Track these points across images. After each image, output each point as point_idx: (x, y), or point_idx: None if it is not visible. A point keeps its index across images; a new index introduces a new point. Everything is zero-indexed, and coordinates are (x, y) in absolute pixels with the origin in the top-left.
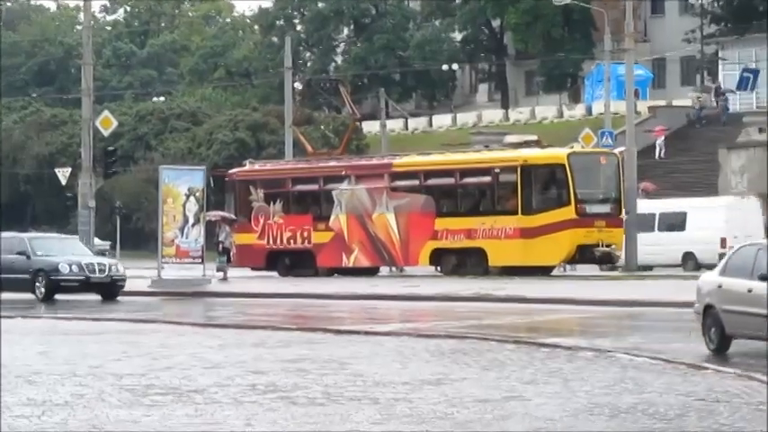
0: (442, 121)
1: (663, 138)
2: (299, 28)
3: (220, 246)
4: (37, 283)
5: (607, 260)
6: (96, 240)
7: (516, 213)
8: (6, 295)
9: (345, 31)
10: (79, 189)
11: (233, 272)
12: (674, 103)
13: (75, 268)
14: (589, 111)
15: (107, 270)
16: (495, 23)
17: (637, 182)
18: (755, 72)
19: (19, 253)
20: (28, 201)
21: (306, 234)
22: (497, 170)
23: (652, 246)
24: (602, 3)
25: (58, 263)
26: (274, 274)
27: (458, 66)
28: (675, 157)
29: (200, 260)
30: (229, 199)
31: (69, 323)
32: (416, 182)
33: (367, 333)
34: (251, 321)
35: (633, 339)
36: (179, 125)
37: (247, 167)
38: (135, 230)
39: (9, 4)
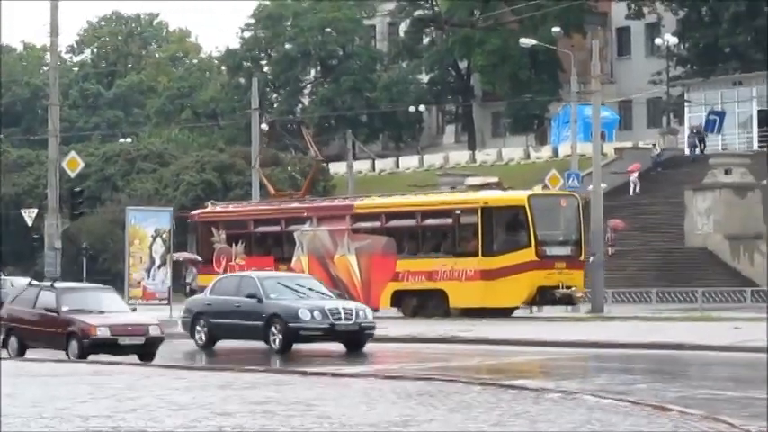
0: (409, 162)
1: (636, 174)
2: (266, 69)
3: (188, 287)
4: (272, 331)
5: (568, 302)
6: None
7: (477, 255)
8: (236, 343)
9: (312, 72)
10: (45, 230)
11: None
12: (641, 144)
13: (317, 314)
14: (556, 152)
15: (354, 316)
16: (462, 65)
17: (605, 221)
18: (721, 114)
19: (249, 296)
20: None
21: None
22: (458, 212)
23: None
24: (569, 45)
25: (297, 308)
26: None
27: (425, 107)
28: (641, 198)
29: (166, 301)
30: (191, 240)
31: (36, 365)
32: (378, 223)
33: (334, 375)
34: (217, 363)
35: (599, 381)
36: (146, 166)
37: (209, 209)
38: (101, 271)
39: None
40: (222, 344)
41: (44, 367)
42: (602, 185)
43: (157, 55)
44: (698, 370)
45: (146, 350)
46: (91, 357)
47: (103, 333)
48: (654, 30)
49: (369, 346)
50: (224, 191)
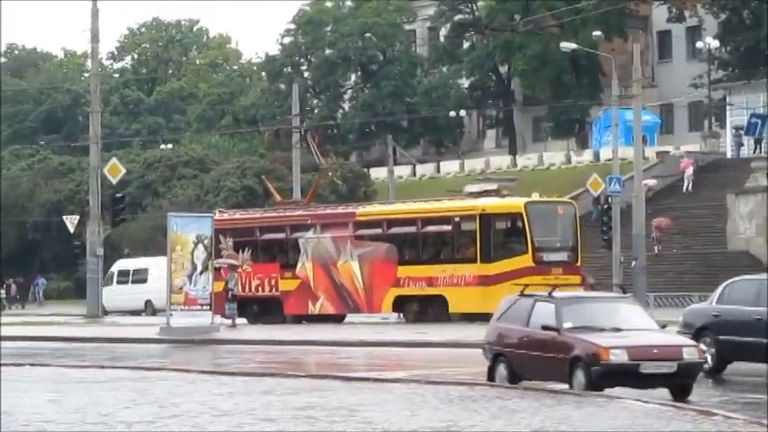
0: (449, 167)
1: (691, 170)
2: (306, 75)
3: (229, 293)
4: None
5: None
6: None
7: (475, 261)
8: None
9: (353, 77)
10: (87, 237)
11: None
12: (682, 148)
13: None
14: (597, 157)
15: None
16: (503, 69)
17: (649, 221)
18: (763, 117)
19: None
20: (36, 249)
21: (273, 282)
22: (457, 219)
23: (120, 295)
24: (610, 48)
25: None
26: (275, 320)
27: (465, 112)
28: (682, 202)
29: (208, 307)
30: None
31: (79, 371)
32: (379, 230)
33: (376, 380)
34: (260, 369)
35: None
36: (187, 172)
37: (217, 216)
38: None
39: (17, 51)
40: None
41: (87, 373)
42: (652, 181)
43: (198, 61)
44: (741, 374)
45: (678, 381)
46: (133, 364)
47: (619, 358)
48: (695, 33)
49: (409, 351)
50: (264, 197)
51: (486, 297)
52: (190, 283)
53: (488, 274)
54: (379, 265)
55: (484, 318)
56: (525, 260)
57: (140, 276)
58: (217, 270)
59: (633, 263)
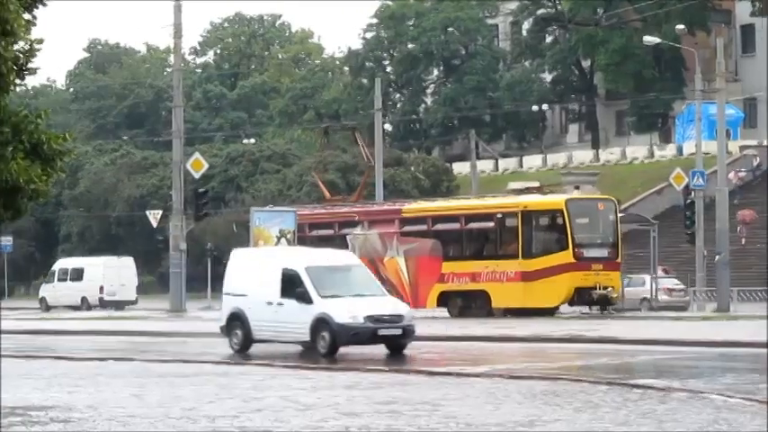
0: (532, 161)
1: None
2: (388, 69)
3: None
4: None
5: (604, 302)
6: None
7: (517, 257)
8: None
9: (435, 72)
10: (170, 231)
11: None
12: (765, 142)
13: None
14: (680, 151)
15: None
16: (586, 64)
17: (733, 214)
18: None
19: None
20: (119, 243)
21: None
22: (499, 216)
23: (59, 291)
24: (693, 42)
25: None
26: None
27: (548, 106)
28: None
29: None
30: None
31: (161, 366)
32: (424, 227)
33: (459, 375)
34: (342, 363)
35: (726, 380)
36: (269, 167)
37: None
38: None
39: (100, 47)
40: None
41: (170, 368)
42: (742, 173)
43: (280, 56)
44: None
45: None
46: (215, 358)
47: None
48: None
49: (494, 345)
50: (347, 191)
51: (528, 292)
52: None
53: (530, 270)
54: (425, 261)
55: (528, 313)
56: (566, 256)
57: (77, 275)
58: None
59: (717, 257)
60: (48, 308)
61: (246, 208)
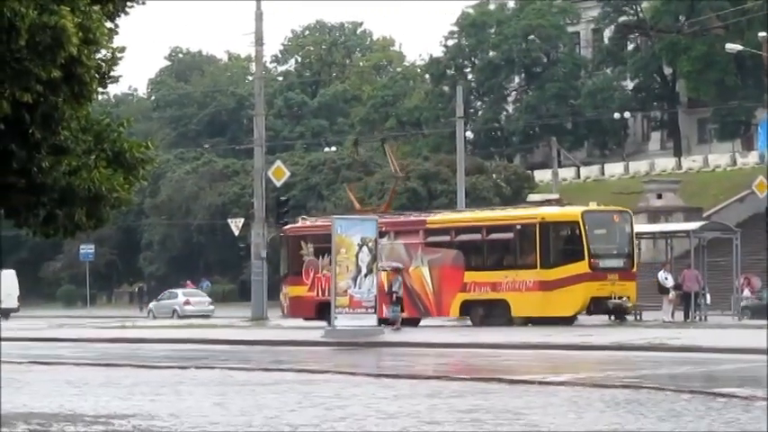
0: (614, 169)
1: None
2: (470, 77)
3: (394, 295)
4: None
5: (620, 311)
6: None
7: (535, 267)
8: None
9: (516, 79)
10: (252, 239)
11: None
12: None
13: None
14: (762, 158)
15: None
16: (668, 71)
17: None
18: None
19: None
20: (201, 251)
21: None
22: (519, 227)
23: None
24: None
25: None
26: (441, 323)
27: (630, 114)
28: None
29: (372, 310)
30: (283, 253)
31: (243, 374)
32: (448, 237)
33: (541, 383)
34: (424, 371)
35: None
36: (351, 175)
37: (299, 224)
38: None
39: (181, 55)
40: None
41: (252, 376)
42: None
43: (361, 63)
44: None
45: None
46: (298, 366)
47: None
48: None
49: (572, 354)
50: (429, 199)
51: (546, 301)
52: (354, 286)
53: (548, 280)
54: (448, 271)
55: (546, 322)
56: (582, 266)
57: None
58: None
59: None
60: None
61: (328, 216)
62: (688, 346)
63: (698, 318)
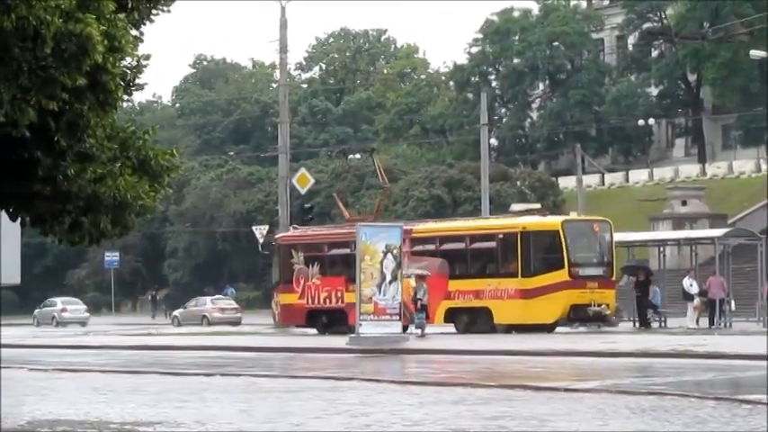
0: (638, 176)
1: None
2: (494, 84)
3: (419, 303)
4: None
5: (599, 319)
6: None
7: (517, 276)
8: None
9: (541, 86)
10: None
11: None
12: None
13: None
14: None
15: None
16: (692, 78)
17: None
18: None
19: None
20: (225, 258)
21: (339, 294)
22: (501, 236)
23: None
24: None
25: None
26: (451, 330)
27: (654, 120)
28: None
29: (397, 317)
30: (276, 261)
31: (269, 381)
32: (433, 246)
33: (566, 390)
34: (450, 378)
35: None
36: (375, 182)
37: (290, 232)
38: None
39: (206, 62)
40: None
41: (277, 383)
42: None
43: (385, 71)
44: None
45: None
46: (323, 373)
47: None
48: None
49: (597, 361)
50: (453, 206)
51: (527, 309)
52: (379, 293)
53: (528, 288)
54: (433, 279)
55: (526, 329)
56: (562, 275)
57: None
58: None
59: None
60: None
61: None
62: (713, 353)
63: (723, 324)
